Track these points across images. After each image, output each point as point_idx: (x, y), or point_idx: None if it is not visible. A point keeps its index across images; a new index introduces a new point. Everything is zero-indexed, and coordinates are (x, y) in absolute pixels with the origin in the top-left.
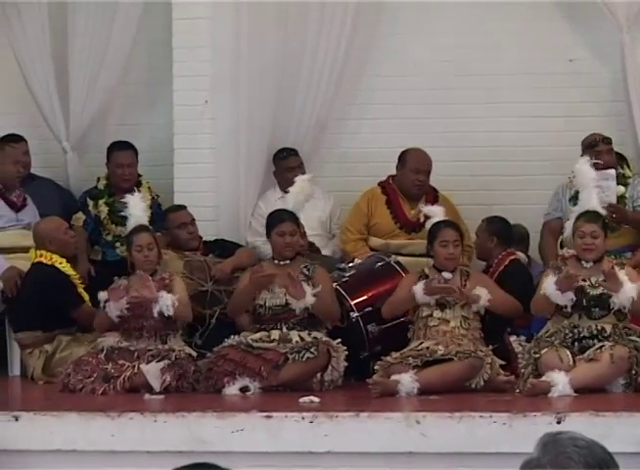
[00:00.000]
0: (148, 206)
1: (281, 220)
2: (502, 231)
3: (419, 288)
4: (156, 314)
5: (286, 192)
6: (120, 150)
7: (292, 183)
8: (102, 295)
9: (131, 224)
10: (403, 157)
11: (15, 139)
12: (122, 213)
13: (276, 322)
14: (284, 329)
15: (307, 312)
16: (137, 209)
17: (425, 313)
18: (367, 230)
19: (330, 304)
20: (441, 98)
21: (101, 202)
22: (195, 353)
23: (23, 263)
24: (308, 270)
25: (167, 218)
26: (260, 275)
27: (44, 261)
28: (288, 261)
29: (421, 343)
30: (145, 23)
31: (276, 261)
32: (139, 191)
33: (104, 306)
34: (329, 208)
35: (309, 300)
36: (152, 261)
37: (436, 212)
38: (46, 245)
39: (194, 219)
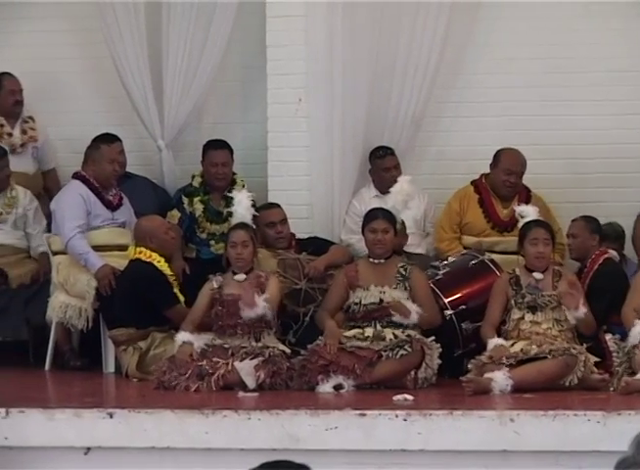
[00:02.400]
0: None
1: (374, 217)
2: (601, 229)
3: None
4: (244, 317)
5: (382, 191)
6: (216, 149)
7: (387, 183)
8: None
9: (234, 221)
10: (497, 156)
11: (110, 139)
12: (220, 209)
13: (370, 320)
14: (378, 327)
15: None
16: (241, 206)
17: (516, 316)
18: (459, 229)
19: (431, 309)
20: (535, 96)
21: (196, 199)
22: (289, 351)
23: (118, 261)
24: (405, 270)
25: (259, 216)
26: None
27: (142, 258)
28: (382, 260)
29: (513, 344)
30: (239, 21)
31: (371, 260)
32: (234, 189)
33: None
34: (423, 206)
35: (260, 308)
36: (243, 259)
37: (530, 212)
38: (147, 242)
39: (285, 219)
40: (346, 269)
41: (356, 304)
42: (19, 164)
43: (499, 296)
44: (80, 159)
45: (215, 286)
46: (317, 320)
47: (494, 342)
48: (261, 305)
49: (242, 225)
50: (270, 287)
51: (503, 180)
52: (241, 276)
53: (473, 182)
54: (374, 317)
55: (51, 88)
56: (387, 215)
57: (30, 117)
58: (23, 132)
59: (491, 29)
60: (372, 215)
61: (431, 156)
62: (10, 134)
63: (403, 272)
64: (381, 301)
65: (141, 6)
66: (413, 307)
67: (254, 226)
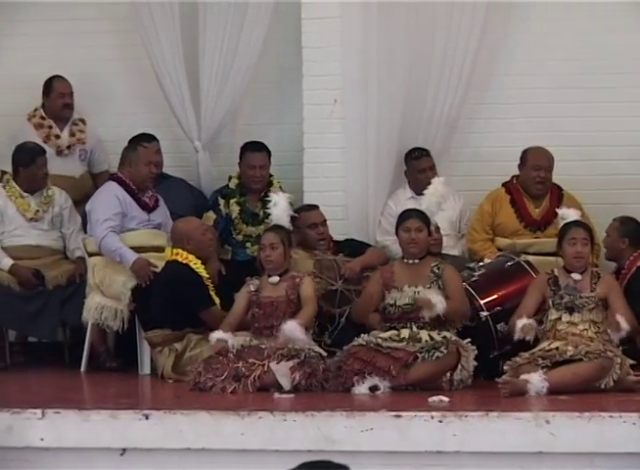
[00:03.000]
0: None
1: (407, 217)
2: (635, 232)
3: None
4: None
5: (417, 193)
6: (254, 151)
7: (422, 184)
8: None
9: (272, 223)
10: (524, 156)
11: (147, 139)
12: (256, 211)
13: (406, 321)
14: (414, 328)
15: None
16: (278, 208)
17: (553, 317)
18: (492, 230)
19: (460, 302)
20: (569, 97)
21: (232, 201)
22: (324, 353)
23: (154, 262)
24: (438, 269)
25: (299, 218)
26: None
27: (179, 260)
28: (417, 260)
29: (550, 343)
30: (275, 22)
31: (405, 260)
32: (270, 190)
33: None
34: (458, 207)
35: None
36: (272, 261)
37: (571, 215)
38: (183, 244)
39: (325, 220)
40: (382, 270)
41: (391, 305)
42: (65, 166)
43: (535, 292)
44: (118, 160)
45: (252, 289)
46: (355, 316)
47: (522, 321)
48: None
49: (273, 227)
50: (304, 287)
51: (533, 177)
52: (274, 278)
53: (504, 184)
54: (409, 318)
55: (89, 89)
56: (420, 215)
57: (81, 120)
58: (72, 135)
59: (525, 30)
60: (406, 215)
61: (465, 157)
62: (58, 136)
63: (436, 271)
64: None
65: (177, 7)
66: (436, 298)
67: (291, 228)
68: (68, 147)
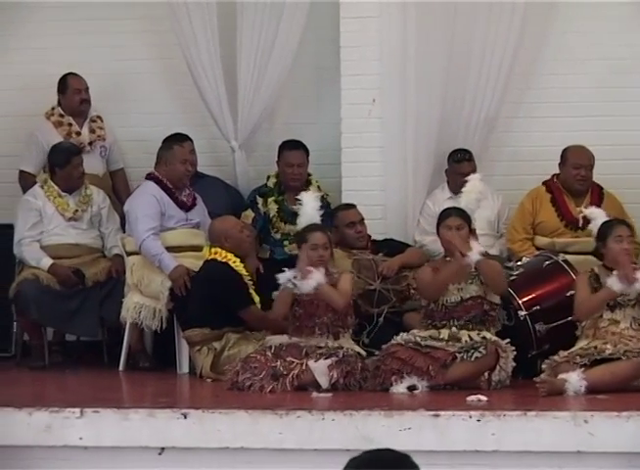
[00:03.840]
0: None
1: (448, 215)
2: None
3: (613, 281)
4: (304, 288)
5: (456, 193)
6: (291, 149)
7: (461, 186)
8: (285, 274)
9: (302, 222)
10: (564, 154)
11: (181, 138)
12: (294, 210)
13: (448, 319)
14: (453, 328)
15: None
16: (310, 207)
17: (595, 315)
18: (532, 229)
19: (498, 272)
20: (610, 96)
21: (270, 200)
22: (364, 353)
23: (192, 262)
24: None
25: (337, 217)
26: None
27: (218, 259)
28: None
29: (589, 342)
30: (312, 21)
31: (447, 259)
32: (308, 190)
33: (293, 284)
34: (497, 207)
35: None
36: (325, 261)
37: (598, 214)
38: (222, 242)
39: (363, 219)
40: (433, 268)
41: (435, 302)
42: (88, 164)
43: (585, 287)
44: (153, 160)
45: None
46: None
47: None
48: (316, 276)
49: (318, 227)
50: (342, 282)
51: (574, 175)
52: None
53: (544, 182)
54: (453, 316)
55: (124, 89)
56: (460, 213)
57: (98, 117)
58: (92, 131)
59: (564, 30)
60: (446, 213)
61: (505, 156)
62: (78, 133)
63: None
64: (461, 299)
65: (214, 7)
66: (476, 246)
67: (335, 227)
68: (90, 143)
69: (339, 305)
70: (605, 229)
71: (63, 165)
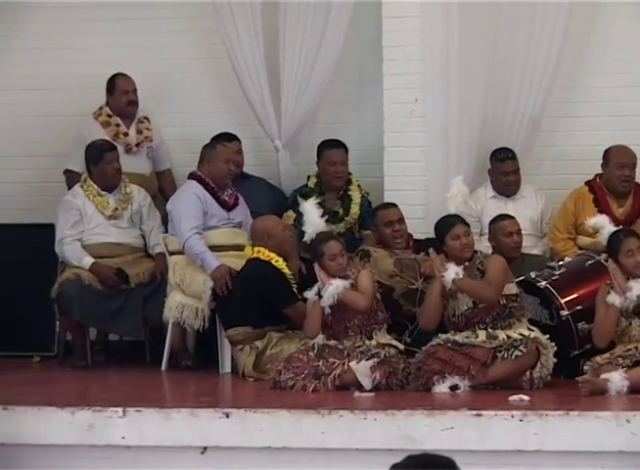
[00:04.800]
0: (359, 205)
1: (452, 224)
2: None
3: (612, 297)
4: (326, 302)
5: (499, 192)
6: (332, 148)
7: (503, 186)
8: (311, 292)
9: (310, 232)
10: (607, 154)
11: (227, 138)
12: (336, 210)
13: (472, 325)
14: (489, 329)
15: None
16: (313, 215)
17: (624, 324)
18: (574, 229)
19: (492, 287)
20: None
21: (311, 199)
22: (402, 346)
23: (234, 261)
24: (482, 265)
25: (376, 216)
26: None
27: (261, 258)
28: (467, 263)
29: (625, 345)
30: (355, 21)
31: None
32: (349, 189)
33: (319, 297)
34: (540, 206)
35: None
36: (344, 269)
37: (603, 223)
38: (265, 241)
39: (402, 218)
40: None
41: (453, 315)
42: (135, 164)
43: (600, 304)
44: (197, 159)
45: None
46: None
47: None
48: (334, 284)
49: (328, 236)
50: (361, 281)
51: (617, 175)
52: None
53: (587, 182)
54: (474, 322)
55: (169, 89)
56: (461, 220)
57: (146, 118)
58: (139, 132)
59: (610, 29)
60: (449, 223)
61: (550, 156)
62: (126, 134)
63: (481, 267)
64: (474, 304)
65: (258, 7)
66: (454, 269)
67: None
68: (137, 144)
69: (360, 307)
70: (614, 244)
71: (96, 162)
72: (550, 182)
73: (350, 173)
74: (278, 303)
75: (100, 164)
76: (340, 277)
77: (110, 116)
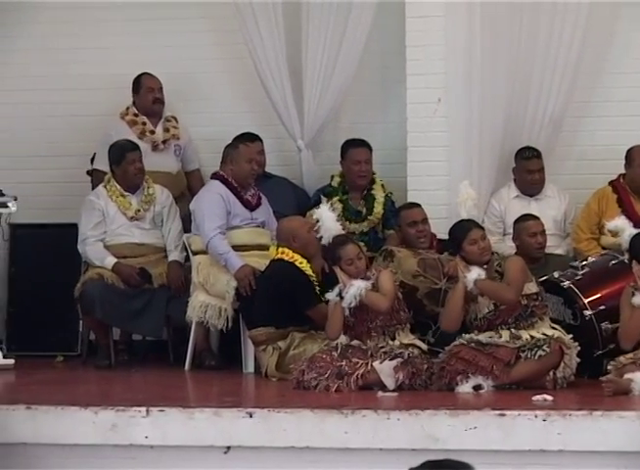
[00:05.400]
0: (383, 204)
1: (468, 229)
2: None
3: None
4: (347, 303)
5: (522, 191)
6: (356, 147)
7: (528, 184)
8: (332, 294)
9: (326, 237)
10: (629, 154)
11: (250, 138)
12: (359, 209)
13: (494, 327)
14: (512, 330)
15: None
16: (328, 220)
17: None
18: (598, 229)
19: (511, 288)
20: None
21: (335, 199)
22: (425, 346)
23: (257, 261)
24: (500, 266)
25: (400, 216)
26: None
27: (285, 259)
28: (485, 266)
29: None
30: (378, 21)
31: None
32: (373, 188)
33: (340, 299)
34: (564, 206)
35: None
36: (362, 271)
37: (623, 226)
38: (290, 242)
39: (426, 218)
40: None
41: (475, 319)
42: (162, 162)
43: (624, 307)
44: (220, 159)
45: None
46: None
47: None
48: (356, 286)
49: (345, 239)
50: (382, 282)
51: None
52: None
53: (610, 182)
54: (496, 324)
55: (191, 88)
56: (476, 224)
57: (173, 117)
58: (166, 130)
59: (630, 29)
60: (465, 228)
61: (572, 156)
62: (152, 132)
63: (499, 269)
64: (495, 306)
65: (279, 6)
66: (476, 271)
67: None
68: (164, 142)
69: (381, 308)
70: (637, 247)
71: (118, 162)
72: (572, 182)
73: (374, 173)
74: (301, 304)
75: (122, 164)
76: (360, 278)
77: (136, 115)
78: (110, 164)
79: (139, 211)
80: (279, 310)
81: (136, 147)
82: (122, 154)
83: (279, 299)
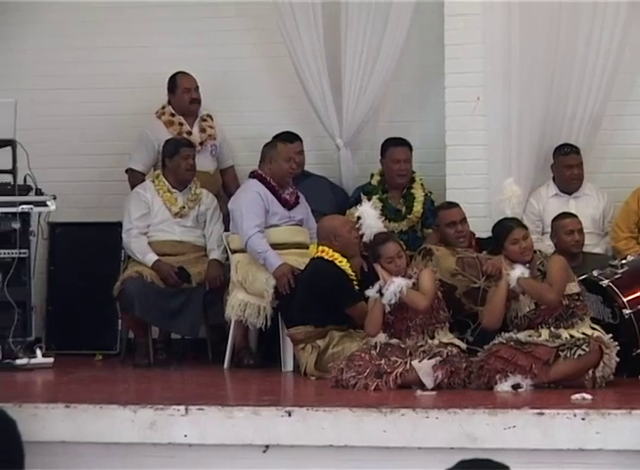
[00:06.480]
0: (422, 203)
1: (510, 229)
2: None
3: None
4: (387, 300)
5: (561, 189)
6: (397, 146)
7: (567, 180)
8: (372, 290)
9: (368, 234)
10: None
11: (290, 138)
12: (399, 208)
13: (534, 327)
14: (552, 328)
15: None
16: (371, 218)
17: None
18: (637, 228)
19: (553, 288)
20: None
21: (374, 197)
22: (464, 345)
23: (296, 259)
24: (543, 266)
25: (438, 216)
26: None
27: (325, 257)
28: (528, 264)
29: None
30: (417, 20)
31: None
32: (412, 187)
33: (380, 296)
34: (602, 205)
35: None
36: (403, 270)
37: None
38: (330, 241)
39: (465, 218)
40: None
41: (516, 317)
42: (199, 162)
43: None
44: (258, 157)
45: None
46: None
47: None
48: (397, 283)
49: (386, 237)
50: (423, 281)
51: None
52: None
53: None
54: (537, 323)
55: (230, 87)
56: (519, 223)
57: (209, 116)
58: (202, 131)
59: None
60: (507, 227)
61: (611, 154)
62: (189, 133)
63: (541, 268)
64: (536, 305)
65: (319, 6)
66: (520, 269)
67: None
68: (201, 143)
69: (420, 307)
70: None
71: (172, 155)
72: (610, 180)
73: (414, 172)
74: (340, 302)
75: (175, 158)
76: (401, 276)
77: (173, 115)
78: (162, 158)
79: (184, 207)
80: (318, 309)
81: (191, 144)
82: (177, 148)
83: (318, 297)
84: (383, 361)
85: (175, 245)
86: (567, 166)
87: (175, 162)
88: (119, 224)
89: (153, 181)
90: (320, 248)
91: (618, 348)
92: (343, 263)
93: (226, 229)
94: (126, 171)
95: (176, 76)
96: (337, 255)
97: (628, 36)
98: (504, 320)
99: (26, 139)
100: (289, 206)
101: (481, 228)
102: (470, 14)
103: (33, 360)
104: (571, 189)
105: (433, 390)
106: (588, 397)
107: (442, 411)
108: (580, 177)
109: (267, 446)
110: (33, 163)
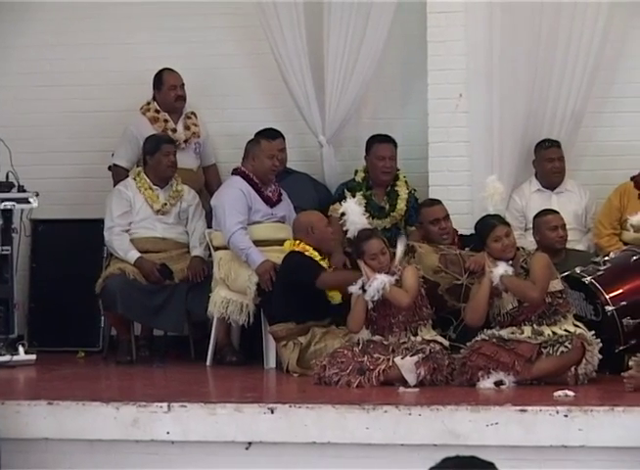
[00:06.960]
0: (406, 201)
1: (492, 226)
2: None
3: None
4: (369, 296)
5: (543, 185)
6: (382, 142)
7: (548, 174)
8: (355, 287)
9: (352, 231)
10: None
11: (272, 135)
12: (382, 205)
13: (517, 324)
14: (534, 326)
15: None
16: (354, 214)
17: None
18: (619, 225)
19: (536, 285)
20: None
21: (358, 194)
22: (447, 343)
23: (278, 256)
24: (526, 263)
25: (421, 213)
26: None
27: (296, 250)
28: (510, 262)
29: None
30: (399, 17)
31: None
32: (396, 184)
33: (363, 292)
34: (584, 202)
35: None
36: (386, 266)
37: None
38: (306, 234)
39: (447, 215)
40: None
41: (499, 314)
42: (183, 159)
43: None
44: (241, 154)
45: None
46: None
47: None
48: (379, 279)
49: (370, 233)
50: (406, 278)
51: None
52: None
53: (633, 178)
54: (520, 320)
55: (213, 84)
56: (501, 220)
57: (193, 113)
58: (187, 128)
59: None
60: (490, 225)
61: (592, 151)
62: (174, 130)
63: (524, 265)
64: (519, 302)
65: (301, 5)
66: (503, 267)
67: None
68: (186, 141)
69: (402, 304)
70: None
71: (153, 152)
72: (591, 177)
73: (398, 169)
74: (307, 280)
75: (156, 155)
76: (384, 273)
77: (157, 111)
78: (144, 155)
79: (165, 205)
80: (294, 303)
81: (172, 141)
82: (158, 145)
83: (291, 287)
84: (365, 358)
85: (157, 242)
86: (548, 160)
87: (156, 158)
88: (102, 221)
89: (134, 178)
90: (295, 242)
91: (601, 345)
92: (315, 256)
93: (209, 226)
94: (109, 168)
95: (162, 73)
96: (309, 249)
97: (609, 34)
98: (487, 317)
99: (10, 136)
100: (271, 203)
101: (464, 225)
102: (452, 11)
103: (16, 357)
104: (554, 183)
105: (415, 387)
106: (571, 393)
107: (425, 408)
108: (562, 171)
109: (250, 443)
110: (17, 160)
